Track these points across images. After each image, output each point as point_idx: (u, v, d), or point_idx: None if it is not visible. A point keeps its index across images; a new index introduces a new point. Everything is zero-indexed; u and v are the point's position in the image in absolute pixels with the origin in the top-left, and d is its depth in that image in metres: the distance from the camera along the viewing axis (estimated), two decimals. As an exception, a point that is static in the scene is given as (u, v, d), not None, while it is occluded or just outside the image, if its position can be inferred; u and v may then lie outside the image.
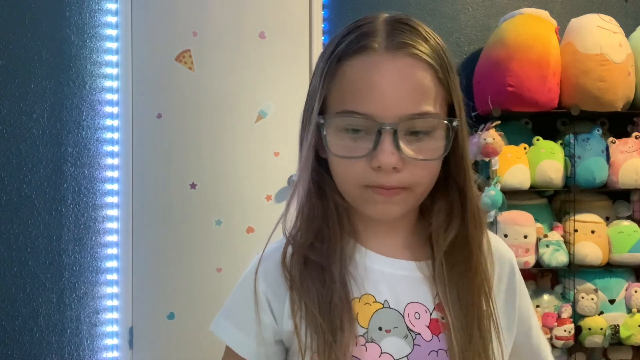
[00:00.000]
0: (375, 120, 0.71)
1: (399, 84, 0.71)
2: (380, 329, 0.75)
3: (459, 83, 0.77)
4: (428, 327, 0.76)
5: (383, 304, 0.76)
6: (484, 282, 0.77)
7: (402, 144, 0.71)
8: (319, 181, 0.79)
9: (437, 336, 0.75)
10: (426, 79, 0.72)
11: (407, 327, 0.75)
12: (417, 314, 0.76)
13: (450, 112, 0.76)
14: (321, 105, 0.76)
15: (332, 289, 0.74)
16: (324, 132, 0.74)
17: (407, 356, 0.74)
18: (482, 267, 0.77)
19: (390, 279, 0.78)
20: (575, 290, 2.35)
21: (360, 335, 0.75)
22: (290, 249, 0.79)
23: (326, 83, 0.75)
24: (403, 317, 0.76)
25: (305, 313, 0.75)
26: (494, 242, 0.83)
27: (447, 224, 0.78)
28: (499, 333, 0.77)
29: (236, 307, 0.82)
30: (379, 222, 0.80)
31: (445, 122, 0.73)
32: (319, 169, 0.79)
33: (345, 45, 0.74)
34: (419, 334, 0.75)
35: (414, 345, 0.75)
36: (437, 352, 0.75)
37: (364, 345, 0.74)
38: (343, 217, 0.79)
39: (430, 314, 0.76)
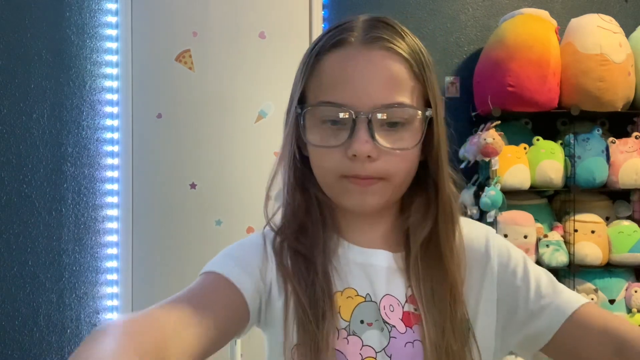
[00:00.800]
0: (350, 110, 0.72)
1: (373, 75, 0.73)
2: (362, 322, 0.77)
3: (436, 81, 0.78)
4: (401, 319, 0.77)
5: (365, 298, 0.78)
6: (454, 277, 0.77)
7: (377, 134, 0.73)
8: (302, 177, 0.81)
9: (411, 328, 0.76)
10: (400, 71, 0.74)
11: (383, 320, 0.77)
12: (391, 306, 0.77)
13: (428, 107, 0.77)
14: (301, 100, 0.78)
15: (316, 281, 0.76)
16: (302, 122, 0.77)
17: (384, 349, 0.76)
18: (452, 263, 0.78)
19: (369, 271, 0.79)
20: (575, 290, 2.35)
21: (342, 329, 0.76)
22: (278, 239, 0.81)
23: (304, 78, 0.78)
24: (379, 310, 0.77)
25: (295, 303, 0.76)
26: (466, 231, 0.82)
27: (423, 219, 0.79)
28: (468, 322, 0.77)
29: (240, 251, 0.79)
30: (360, 217, 0.81)
31: (419, 112, 0.75)
32: (302, 167, 0.81)
33: (324, 41, 0.77)
34: (394, 326, 0.76)
35: (390, 337, 0.76)
36: (412, 343, 0.76)
37: (346, 338, 0.76)
38: (325, 213, 0.81)
39: (403, 307, 0.77)
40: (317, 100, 0.76)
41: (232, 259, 0.76)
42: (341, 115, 0.73)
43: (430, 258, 0.78)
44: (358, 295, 0.78)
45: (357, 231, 0.82)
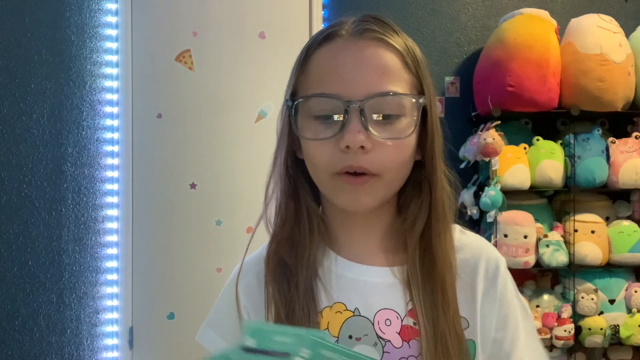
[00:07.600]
0: (341, 100, 0.71)
1: (363, 64, 0.72)
2: (350, 337, 0.75)
3: (430, 78, 0.77)
4: (399, 333, 0.75)
5: (354, 312, 0.76)
6: (447, 282, 0.75)
7: (370, 126, 0.71)
8: (294, 183, 0.79)
9: (408, 342, 0.74)
10: (393, 61, 0.73)
11: (377, 334, 0.75)
12: (388, 320, 0.75)
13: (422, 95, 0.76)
14: (292, 97, 0.77)
15: (295, 298, 0.75)
16: (293, 115, 0.75)
17: None
18: (444, 265, 0.76)
19: (362, 287, 0.77)
20: (575, 290, 2.35)
21: None
22: (273, 246, 0.80)
23: (295, 75, 0.77)
24: (373, 324, 0.75)
25: (275, 315, 0.75)
26: (476, 242, 0.81)
27: (416, 219, 0.77)
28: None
29: (220, 317, 0.83)
30: (355, 224, 0.79)
31: (413, 99, 0.73)
32: (294, 172, 0.80)
33: (314, 37, 0.77)
34: (389, 341, 0.74)
35: (383, 352, 0.74)
36: (407, 358, 0.74)
37: None
38: (313, 222, 0.79)
39: (402, 321, 0.75)
40: (307, 93, 0.75)
41: (215, 330, 0.81)
42: (334, 108, 0.71)
43: (431, 268, 0.76)
44: (347, 309, 0.76)
45: (350, 243, 0.79)
